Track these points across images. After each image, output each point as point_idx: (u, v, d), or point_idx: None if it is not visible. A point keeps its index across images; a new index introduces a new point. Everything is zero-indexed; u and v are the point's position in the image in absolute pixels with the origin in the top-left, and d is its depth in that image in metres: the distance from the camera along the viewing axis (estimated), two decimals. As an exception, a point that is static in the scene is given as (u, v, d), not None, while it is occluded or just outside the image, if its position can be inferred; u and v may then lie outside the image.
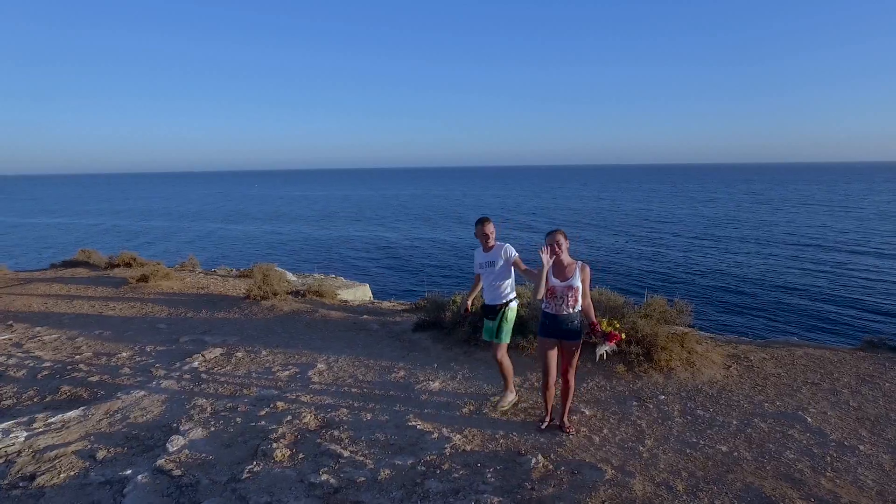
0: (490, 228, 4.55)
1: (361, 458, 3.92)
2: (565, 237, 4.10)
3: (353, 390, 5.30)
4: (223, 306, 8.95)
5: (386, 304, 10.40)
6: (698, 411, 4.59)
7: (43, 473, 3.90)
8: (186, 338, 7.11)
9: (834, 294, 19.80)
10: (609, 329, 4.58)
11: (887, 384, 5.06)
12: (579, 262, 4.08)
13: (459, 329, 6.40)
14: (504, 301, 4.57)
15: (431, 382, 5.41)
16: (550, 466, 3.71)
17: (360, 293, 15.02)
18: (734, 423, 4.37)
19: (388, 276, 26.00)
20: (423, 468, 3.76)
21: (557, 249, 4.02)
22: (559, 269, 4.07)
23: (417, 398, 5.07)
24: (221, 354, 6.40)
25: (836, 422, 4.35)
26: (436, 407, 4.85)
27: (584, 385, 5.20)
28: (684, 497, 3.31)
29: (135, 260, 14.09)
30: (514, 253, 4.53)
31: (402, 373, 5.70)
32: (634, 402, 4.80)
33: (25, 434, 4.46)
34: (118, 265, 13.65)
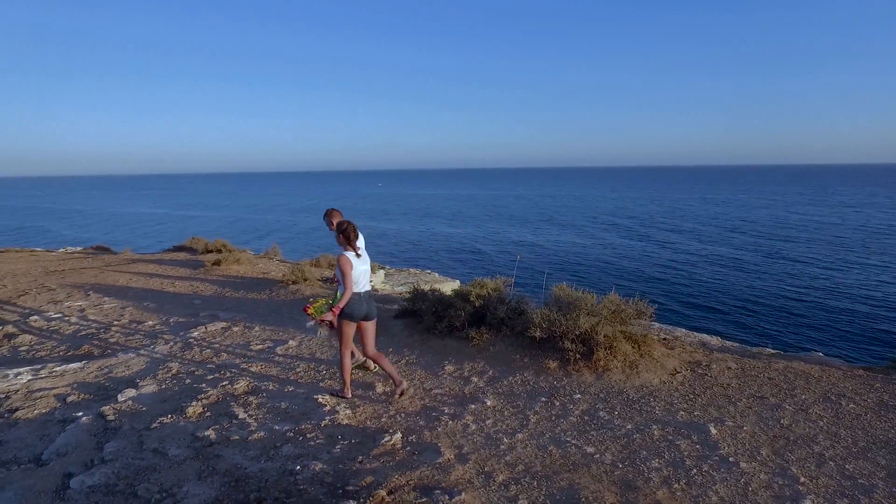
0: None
1: (251, 421, 4.37)
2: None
3: (301, 365, 5.77)
4: (260, 288, 9.92)
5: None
6: (601, 413, 4.43)
7: (23, 409, 4.83)
8: (206, 313, 8.09)
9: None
10: (311, 310, 4.50)
11: (851, 405, 4.45)
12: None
13: (429, 319, 6.61)
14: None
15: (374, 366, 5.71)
16: (398, 445, 3.88)
17: (445, 288, 15.73)
18: (628, 427, 4.17)
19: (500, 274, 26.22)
20: (291, 434, 4.12)
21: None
22: None
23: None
24: (221, 328, 7.23)
25: (742, 437, 3.97)
26: (358, 385, 5.16)
27: (510, 378, 5.20)
28: (494, 487, 3.32)
29: (225, 247, 15.87)
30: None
31: (356, 354, 6.07)
32: (543, 399, 4.73)
33: (30, 377, 5.51)
34: (211, 251, 15.53)
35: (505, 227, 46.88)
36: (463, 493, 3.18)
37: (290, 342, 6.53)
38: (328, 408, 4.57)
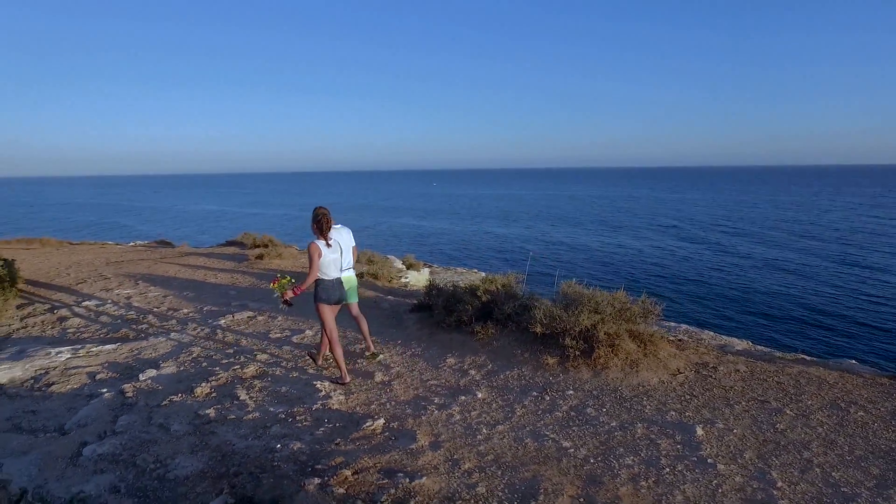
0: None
1: (250, 403, 4.63)
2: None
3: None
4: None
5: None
6: (588, 409, 4.40)
7: (58, 383, 5.32)
8: (237, 302, 8.52)
9: None
10: (275, 285, 5.04)
11: (860, 413, 4.21)
12: None
13: (439, 313, 6.72)
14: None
15: (379, 353, 5.89)
16: (378, 431, 4.02)
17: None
18: (612, 424, 4.13)
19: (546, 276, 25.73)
20: (283, 416, 4.34)
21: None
22: None
23: (355, 364, 5.60)
24: (248, 317, 7.61)
25: (729, 440, 3.85)
26: (358, 374, 5.34)
27: (508, 373, 5.23)
28: (457, 473, 3.39)
29: (271, 242, 16.56)
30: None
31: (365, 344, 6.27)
32: (535, 394, 4.74)
33: (69, 356, 6.03)
34: (258, 246, 16.25)
35: (555, 227, 46.26)
36: (424, 478, 3.28)
37: (307, 332, 6.81)
38: (323, 393, 4.77)
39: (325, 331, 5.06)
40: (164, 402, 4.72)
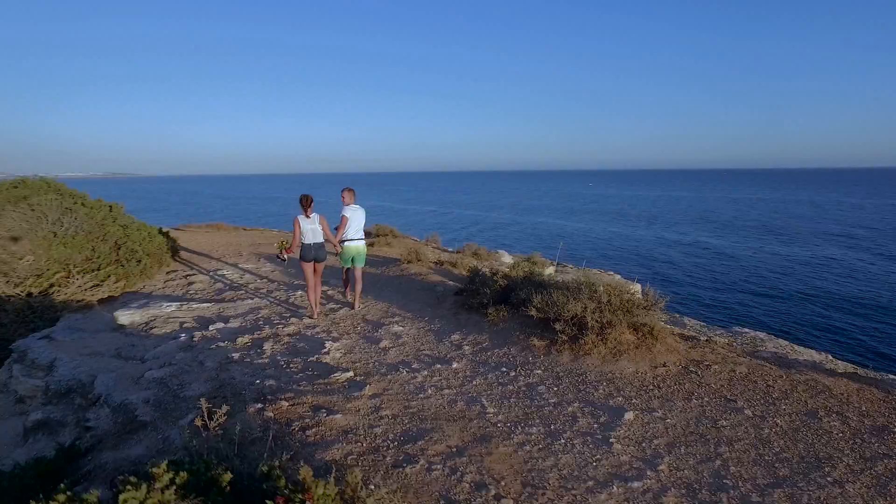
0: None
1: (268, 352, 5.63)
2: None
3: (347, 321, 6.90)
4: (383, 265, 11.45)
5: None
6: (540, 387, 4.61)
7: (157, 328, 6.89)
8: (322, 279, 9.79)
9: None
10: (276, 244, 7.45)
11: (835, 423, 3.87)
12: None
13: (468, 296, 7.18)
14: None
15: (400, 326, 6.56)
16: (342, 380, 4.71)
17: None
18: (552, 401, 4.34)
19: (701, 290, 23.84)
20: (282, 363, 5.24)
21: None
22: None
23: (375, 332, 6.35)
24: (323, 290, 8.79)
25: (652, 428, 3.86)
26: (369, 339, 6.08)
27: (497, 351, 5.57)
28: (370, 416, 3.95)
29: (391, 232, 18.13)
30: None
31: (399, 318, 6.98)
32: (505, 370, 5.05)
33: (174, 309, 7.68)
34: (380, 235, 17.91)
35: (708, 234, 42.39)
36: (339, 415, 3.90)
37: (357, 308, 7.73)
38: (326, 350, 5.60)
39: (306, 279, 7.06)
40: (213, 347, 5.93)
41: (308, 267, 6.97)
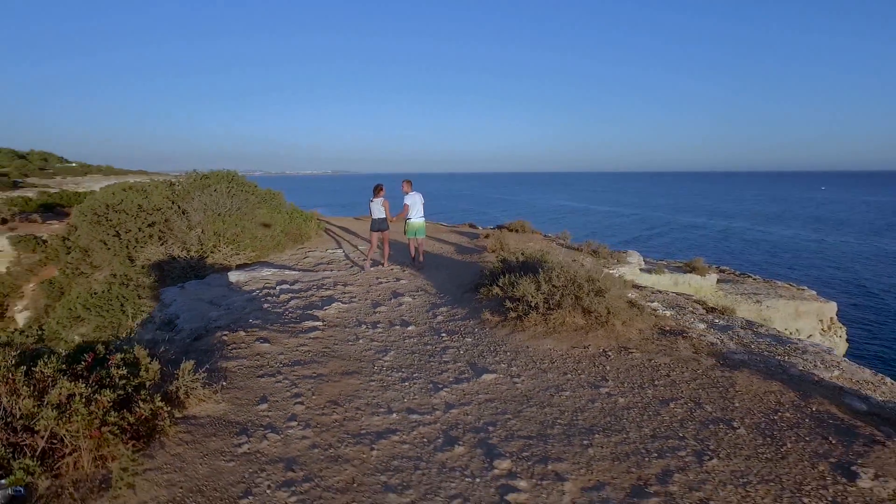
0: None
1: (287, 303, 7.09)
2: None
3: (378, 291, 8.08)
4: (470, 253, 12.36)
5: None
6: (450, 350, 5.24)
7: (247, 285, 8.95)
8: (400, 257, 11.12)
9: None
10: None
11: (788, 415, 3.83)
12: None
13: (485, 278, 7.79)
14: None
15: (411, 298, 7.53)
16: (310, 327, 5.89)
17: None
18: (444, 359, 4.98)
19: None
20: (284, 309, 6.64)
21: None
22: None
23: (387, 301, 7.44)
24: (390, 267, 10.11)
25: (497, 386, 4.33)
26: (374, 304, 7.17)
27: (461, 322, 6.25)
28: (293, 350, 5.05)
29: (523, 227, 18.79)
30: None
31: (423, 293, 7.94)
32: (444, 335, 5.75)
33: (269, 273, 9.72)
34: (511, 230, 18.70)
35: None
36: (268, 344, 5.12)
37: (404, 279, 8.86)
38: (329, 308, 6.85)
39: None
40: (263, 299, 7.65)
41: (375, 236, 9.89)
